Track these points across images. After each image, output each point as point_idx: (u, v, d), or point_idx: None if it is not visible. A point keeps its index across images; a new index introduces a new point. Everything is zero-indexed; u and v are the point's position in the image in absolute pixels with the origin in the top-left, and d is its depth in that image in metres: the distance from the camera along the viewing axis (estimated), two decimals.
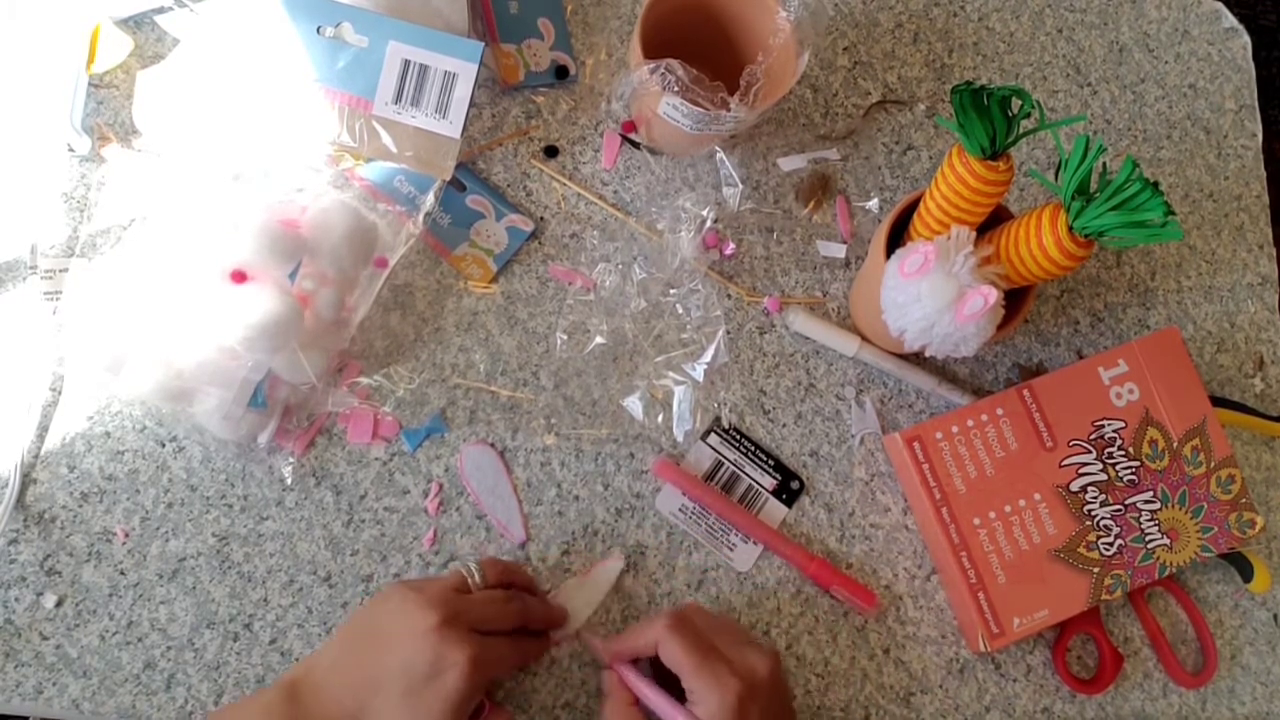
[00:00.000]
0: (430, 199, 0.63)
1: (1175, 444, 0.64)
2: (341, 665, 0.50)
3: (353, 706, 0.49)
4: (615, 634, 0.58)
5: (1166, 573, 0.62)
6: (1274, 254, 0.76)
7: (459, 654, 0.49)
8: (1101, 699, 0.64)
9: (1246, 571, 0.66)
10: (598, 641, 0.57)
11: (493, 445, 0.61)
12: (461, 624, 0.50)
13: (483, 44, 0.59)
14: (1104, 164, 0.55)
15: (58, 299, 0.59)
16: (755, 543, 0.63)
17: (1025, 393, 0.63)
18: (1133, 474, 0.63)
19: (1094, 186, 0.51)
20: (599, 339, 0.64)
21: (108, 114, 0.63)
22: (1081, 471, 0.63)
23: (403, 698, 0.48)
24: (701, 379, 0.64)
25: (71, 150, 0.61)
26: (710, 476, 0.63)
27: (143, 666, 0.56)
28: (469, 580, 0.54)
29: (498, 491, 0.61)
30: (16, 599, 0.56)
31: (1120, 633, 0.66)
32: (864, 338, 0.66)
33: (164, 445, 0.59)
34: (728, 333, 0.66)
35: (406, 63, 0.59)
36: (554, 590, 0.60)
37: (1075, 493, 0.63)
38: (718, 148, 0.67)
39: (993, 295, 0.53)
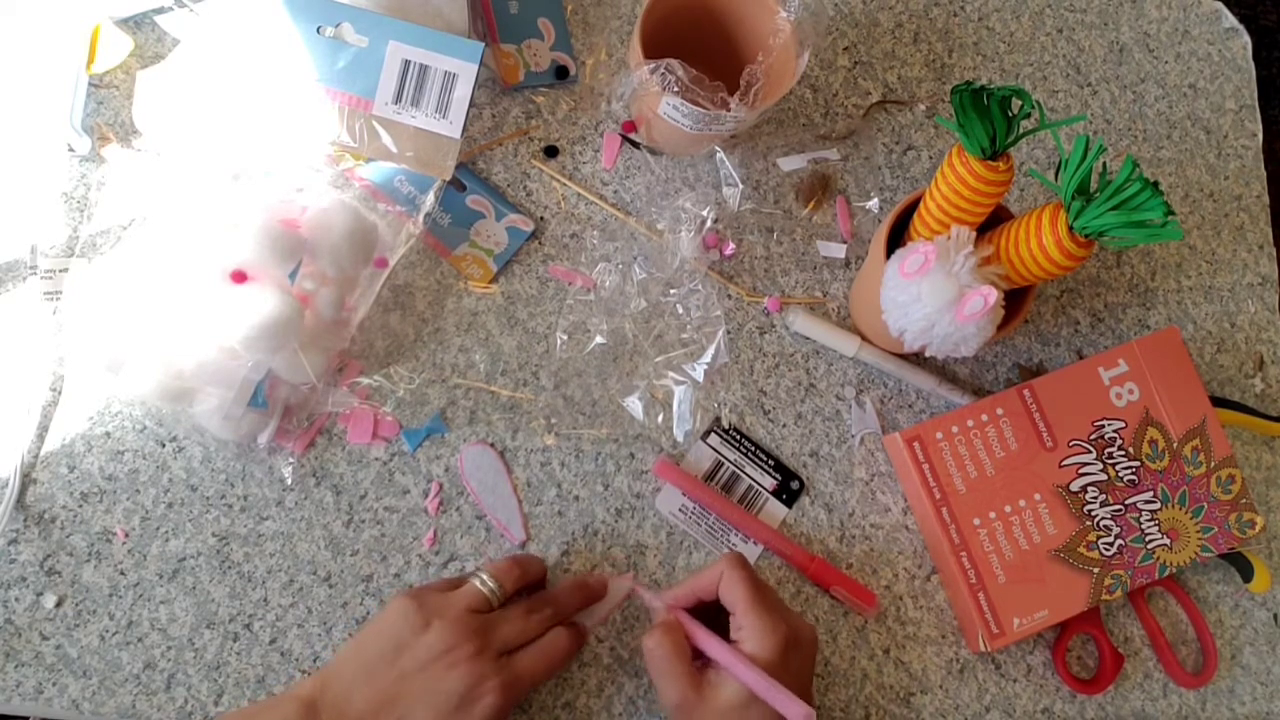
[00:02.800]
0: (430, 199, 0.63)
1: (1175, 444, 0.64)
2: (361, 685, 0.50)
3: None
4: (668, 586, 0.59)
5: (1166, 573, 0.62)
6: (1274, 254, 0.76)
7: (490, 684, 0.49)
8: (1101, 699, 0.64)
9: (1246, 571, 0.66)
10: (653, 595, 0.57)
11: (492, 445, 0.61)
12: (491, 651, 0.50)
13: (483, 44, 0.59)
14: (1104, 164, 0.55)
15: (58, 299, 0.59)
16: (755, 543, 0.63)
17: (1025, 393, 0.63)
18: (1133, 474, 0.63)
19: (1094, 186, 0.51)
20: (599, 339, 0.64)
21: (108, 114, 0.63)
22: (1081, 471, 0.63)
23: None
24: (701, 379, 0.64)
25: (71, 150, 0.61)
26: (710, 477, 0.63)
27: (143, 666, 0.56)
28: (487, 598, 0.53)
29: (497, 491, 0.61)
30: (16, 599, 0.56)
31: (1120, 633, 0.66)
32: (864, 338, 0.66)
33: (164, 445, 0.59)
34: (728, 333, 0.66)
35: (407, 63, 0.59)
36: None
37: (1075, 493, 0.63)
38: (718, 148, 0.67)
39: (993, 295, 0.53)
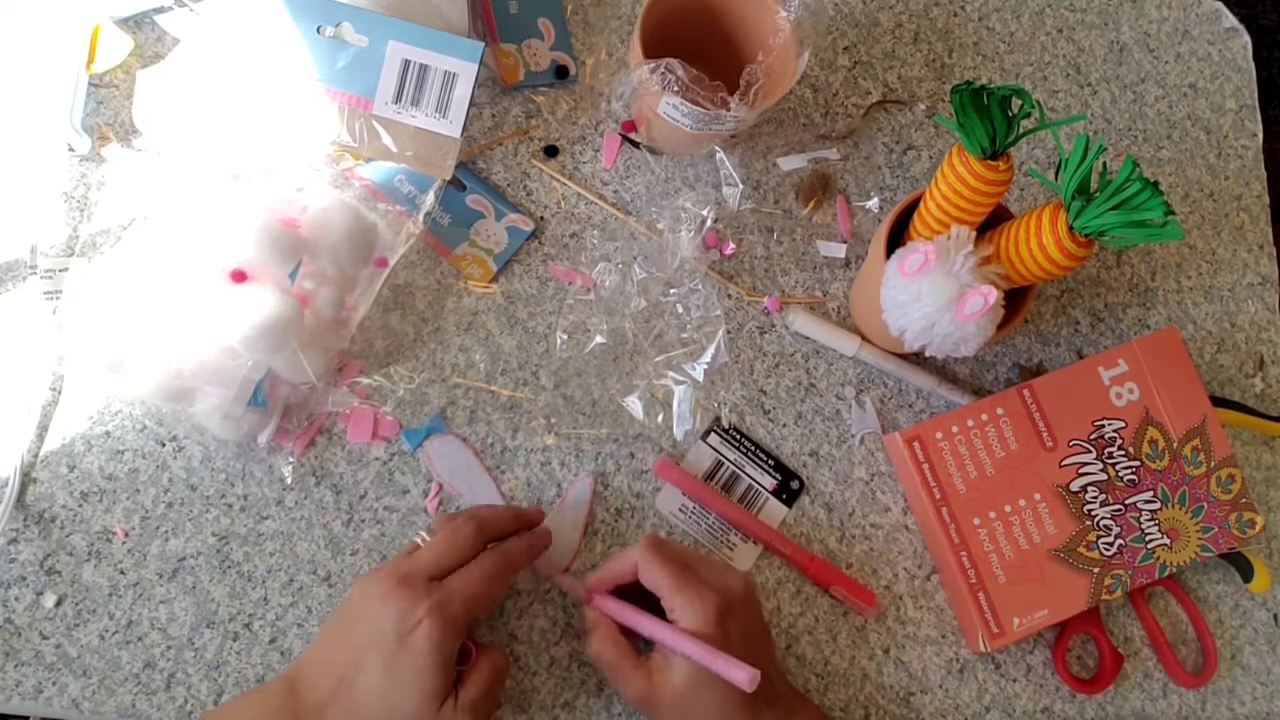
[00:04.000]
0: (430, 198, 0.63)
1: (1175, 444, 0.64)
2: (323, 654, 0.51)
3: (340, 689, 0.49)
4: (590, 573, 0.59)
5: (1166, 572, 0.62)
6: (1274, 254, 0.76)
7: (419, 607, 0.49)
8: (1101, 699, 0.64)
9: (1246, 571, 0.66)
10: (572, 582, 0.58)
11: (463, 439, 0.61)
12: (417, 579, 0.50)
13: (483, 44, 0.59)
14: (1104, 164, 0.55)
15: (58, 299, 0.59)
16: (755, 542, 0.63)
17: (1025, 392, 0.63)
18: (1133, 474, 0.63)
19: (1094, 186, 0.51)
20: (599, 339, 0.64)
21: (108, 114, 0.63)
22: (1081, 471, 0.63)
23: (382, 668, 0.48)
24: (701, 379, 0.64)
25: (71, 150, 0.61)
26: (710, 476, 0.63)
27: (142, 666, 0.56)
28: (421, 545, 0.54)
29: (470, 477, 0.61)
30: (16, 598, 0.56)
31: (1120, 633, 0.66)
32: (864, 337, 0.66)
33: (164, 445, 0.59)
34: (728, 332, 0.66)
35: (407, 62, 0.59)
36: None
37: (1075, 492, 0.63)
38: (718, 147, 0.67)
39: (992, 295, 0.53)
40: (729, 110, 0.59)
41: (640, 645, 0.55)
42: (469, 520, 0.54)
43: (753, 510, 0.63)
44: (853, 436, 0.66)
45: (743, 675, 0.49)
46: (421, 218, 0.62)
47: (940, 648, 0.63)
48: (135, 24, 0.65)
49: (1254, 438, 0.71)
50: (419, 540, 0.55)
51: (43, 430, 0.58)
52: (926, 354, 0.58)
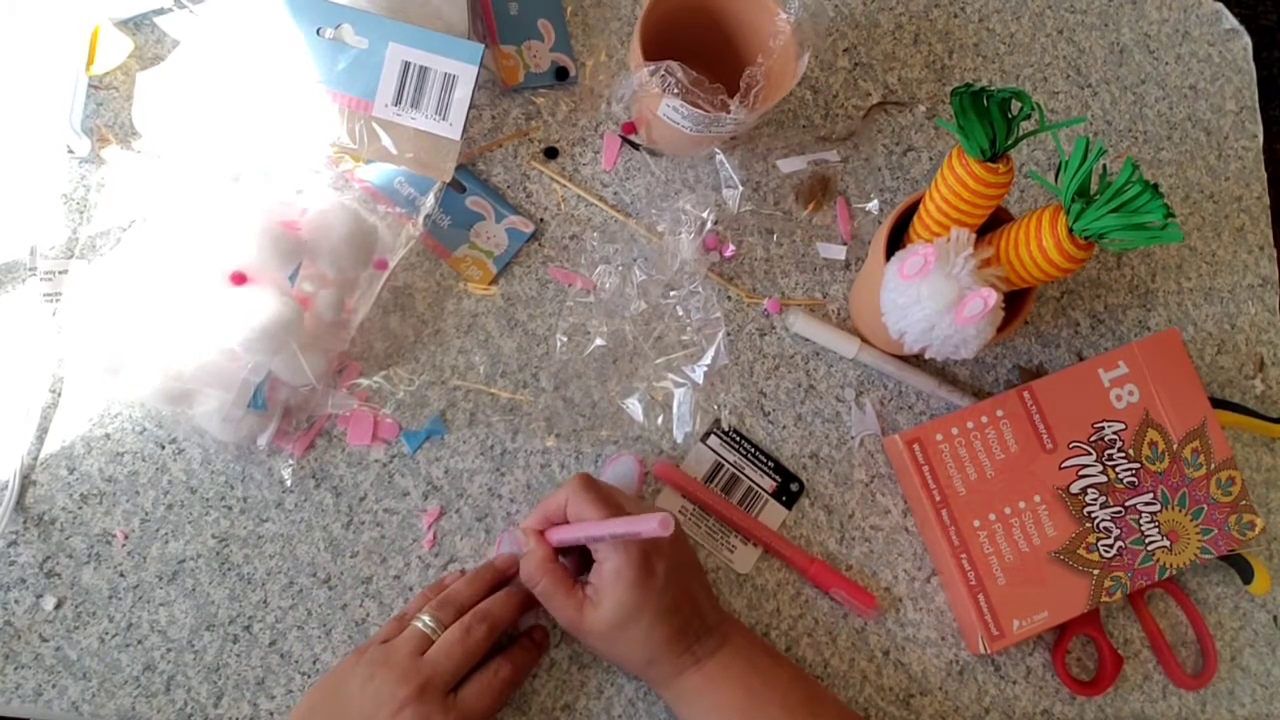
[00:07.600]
0: (430, 200, 0.63)
1: (1175, 446, 0.64)
2: None
3: None
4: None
5: (1166, 574, 0.62)
6: (1274, 255, 0.76)
7: None
8: (1101, 701, 0.64)
9: (1246, 573, 0.66)
10: (509, 534, 0.59)
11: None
12: (434, 690, 0.50)
13: (483, 45, 0.59)
14: (1104, 166, 0.55)
15: (57, 301, 0.59)
16: (755, 544, 0.63)
17: (1025, 394, 0.63)
18: (1133, 476, 0.63)
19: (1094, 188, 0.51)
20: (599, 341, 0.64)
21: (107, 115, 0.63)
22: (1081, 473, 0.63)
23: None
24: (701, 381, 0.64)
25: (71, 152, 0.61)
26: (710, 478, 0.63)
27: (142, 669, 0.56)
28: (430, 638, 0.53)
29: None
30: (16, 601, 0.56)
31: (1120, 634, 0.66)
32: (864, 339, 0.66)
33: (164, 447, 0.59)
34: (728, 334, 0.66)
35: (406, 64, 0.59)
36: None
37: (1075, 495, 0.62)
38: (718, 149, 0.67)
39: (992, 297, 0.53)
40: (729, 112, 0.59)
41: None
42: (481, 622, 0.53)
43: (752, 512, 0.63)
44: (852, 438, 0.66)
45: (651, 524, 0.47)
46: (421, 220, 0.62)
47: (940, 650, 0.63)
48: (135, 25, 0.65)
49: (1254, 439, 0.71)
50: (420, 626, 0.53)
51: (42, 433, 0.58)
52: (926, 356, 0.58)
